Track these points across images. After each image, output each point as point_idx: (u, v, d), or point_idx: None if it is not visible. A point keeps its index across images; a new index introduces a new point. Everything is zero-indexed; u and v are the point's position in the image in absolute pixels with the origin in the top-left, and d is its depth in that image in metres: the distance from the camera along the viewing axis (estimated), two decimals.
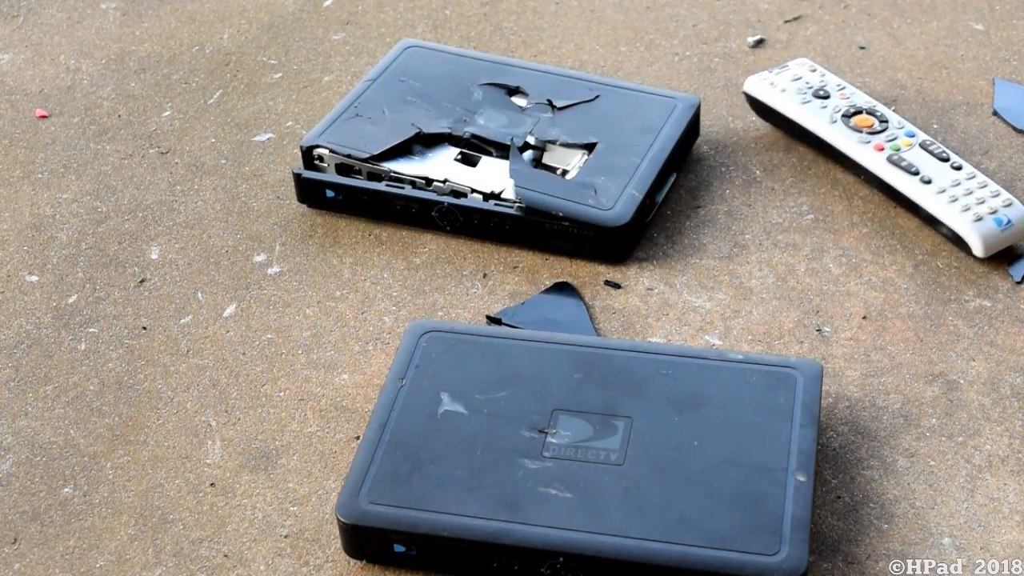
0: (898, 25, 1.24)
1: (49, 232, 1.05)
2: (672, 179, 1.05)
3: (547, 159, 1.04)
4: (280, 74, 1.21)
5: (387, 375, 0.86)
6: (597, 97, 1.09)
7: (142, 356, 0.94)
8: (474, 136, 1.05)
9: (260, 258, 1.01)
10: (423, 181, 1.02)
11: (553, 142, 1.05)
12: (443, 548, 0.77)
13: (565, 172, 1.03)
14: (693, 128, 1.08)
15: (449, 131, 1.05)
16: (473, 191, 1.01)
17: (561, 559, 0.75)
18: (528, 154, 1.04)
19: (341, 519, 0.77)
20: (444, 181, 1.02)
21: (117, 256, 1.02)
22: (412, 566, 0.78)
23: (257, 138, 1.13)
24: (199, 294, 0.99)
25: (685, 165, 1.08)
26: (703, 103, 1.14)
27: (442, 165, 1.03)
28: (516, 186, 1.00)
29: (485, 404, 0.83)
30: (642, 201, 0.99)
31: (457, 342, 0.88)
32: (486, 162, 1.04)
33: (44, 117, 1.18)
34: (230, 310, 0.97)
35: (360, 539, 0.78)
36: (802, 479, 0.78)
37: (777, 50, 1.21)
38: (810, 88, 1.08)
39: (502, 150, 1.04)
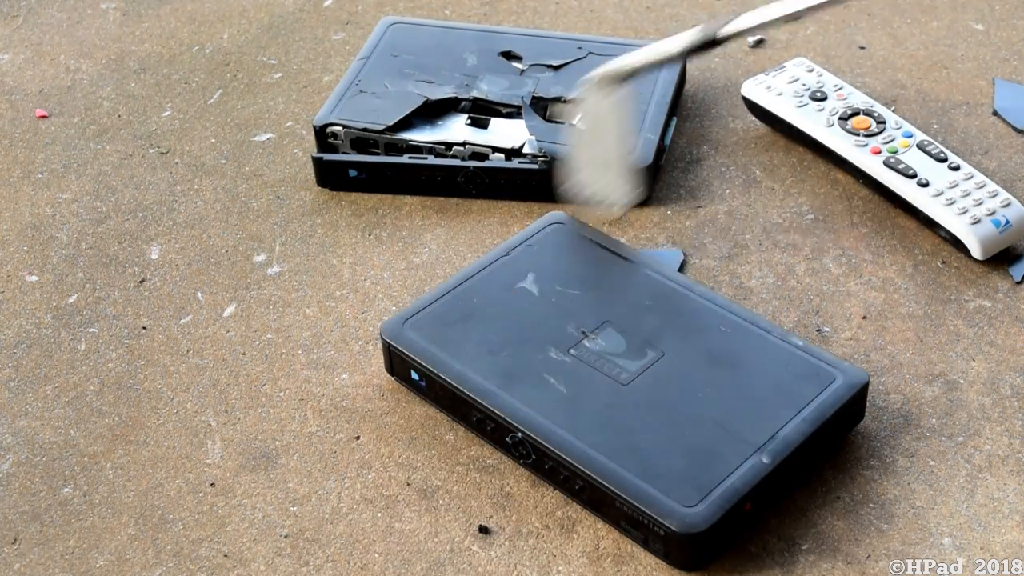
0: (898, 25, 1.24)
1: (49, 232, 1.05)
2: (674, 123, 1.10)
3: (553, 116, 1.08)
4: (280, 74, 1.21)
5: (504, 242, 0.94)
6: (588, 55, 1.13)
7: (142, 356, 0.94)
8: (480, 100, 1.08)
9: (260, 258, 1.01)
10: (443, 147, 1.05)
11: (559, 99, 1.08)
12: (443, 388, 0.85)
13: (572, 126, 1.06)
14: (684, 74, 1.14)
15: (455, 96, 1.08)
16: (494, 150, 1.04)
17: (520, 435, 0.81)
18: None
19: (381, 335, 0.88)
20: (463, 144, 1.05)
21: (117, 256, 1.02)
22: (422, 395, 0.88)
23: (257, 138, 1.14)
24: (199, 294, 0.99)
25: (686, 165, 1.08)
26: (704, 103, 1.14)
27: (455, 130, 1.06)
28: (538, 140, 1.04)
29: (556, 295, 0.89)
30: (657, 143, 1.04)
31: (579, 240, 0.94)
32: (496, 123, 1.07)
33: (44, 117, 1.18)
34: (230, 310, 0.97)
35: (391, 357, 0.88)
36: (766, 461, 0.78)
37: (777, 50, 1.21)
38: (807, 90, 1.08)
39: (509, 111, 1.08)
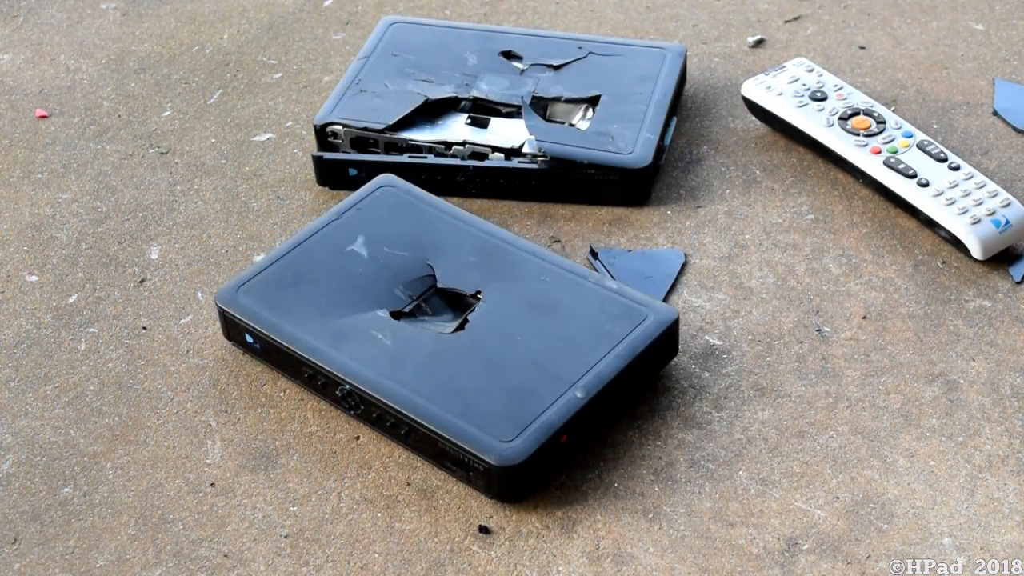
0: (898, 25, 1.24)
1: (49, 232, 1.05)
2: (674, 123, 1.10)
3: (553, 115, 1.08)
4: (280, 74, 1.21)
5: (335, 206, 0.97)
6: (589, 55, 1.13)
7: (142, 356, 0.94)
8: (480, 99, 1.08)
9: (260, 258, 1.01)
10: (443, 146, 1.05)
11: (558, 98, 1.08)
12: (276, 350, 0.88)
13: (572, 126, 1.07)
14: (683, 74, 1.13)
15: (455, 96, 1.08)
16: (494, 150, 1.04)
17: (347, 387, 0.85)
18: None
19: (216, 302, 0.91)
20: (463, 144, 1.04)
21: (117, 256, 1.02)
22: (254, 355, 0.91)
23: (257, 138, 1.14)
24: (199, 294, 0.99)
25: (686, 165, 1.08)
26: (704, 103, 1.14)
27: (455, 130, 1.06)
28: (537, 140, 1.03)
29: (384, 256, 0.93)
30: (657, 143, 1.04)
31: (407, 202, 0.97)
32: (496, 123, 1.07)
33: (44, 117, 1.18)
34: None
35: (227, 323, 0.91)
36: (579, 396, 0.83)
37: (777, 50, 1.21)
38: (807, 90, 1.08)
39: (509, 111, 1.07)
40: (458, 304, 0.91)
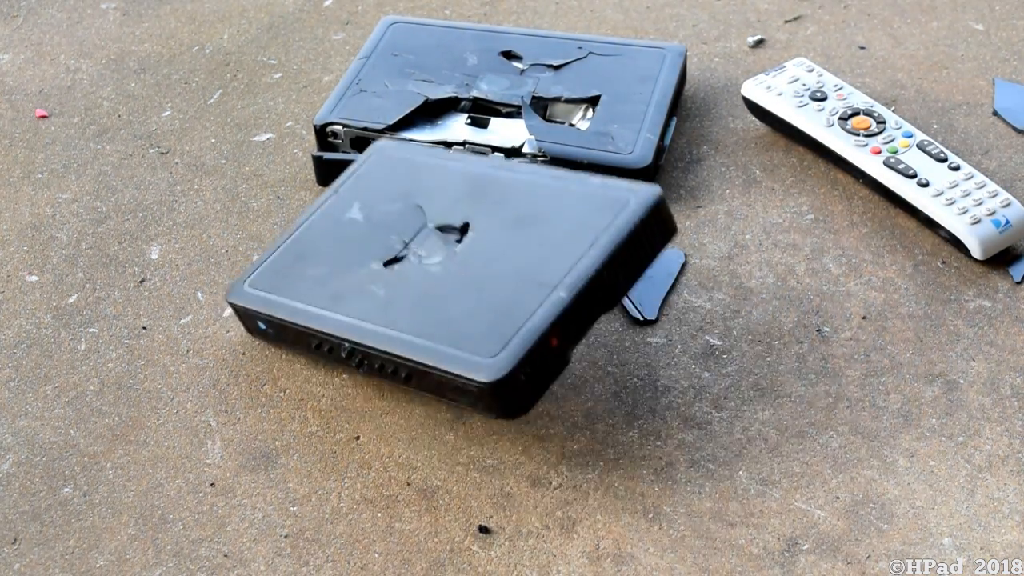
0: (898, 25, 1.24)
1: (49, 232, 1.05)
2: (674, 123, 1.10)
3: (553, 115, 1.08)
4: (280, 74, 1.21)
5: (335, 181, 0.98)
6: (589, 55, 1.13)
7: (142, 356, 0.94)
8: (480, 99, 1.08)
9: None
10: (442, 147, 1.05)
11: (559, 98, 1.08)
12: (284, 328, 0.88)
13: (572, 126, 1.07)
14: (683, 74, 1.13)
15: (455, 96, 1.08)
16: (494, 150, 1.04)
17: (347, 345, 0.85)
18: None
19: (227, 300, 0.92)
20: (463, 144, 1.04)
21: (117, 256, 1.02)
22: (272, 341, 0.91)
23: (257, 138, 1.14)
24: (199, 294, 0.99)
25: (686, 165, 1.08)
26: (704, 103, 1.14)
27: (455, 130, 1.06)
28: (537, 140, 1.03)
29: (379, 215, 0.93)
30: (657, 143, 1.04)
31: (397, 161, 0.97)
32: (496, 123, 1.07)
33: (44, 117, 1.18)
34: (230, 310, 0.97)
35: (241, 317, 0.92)
36: (563, 295, 0.80)
37: (777, 50, 1.21)
38: (807, 90, 1.08)
39: (509, 111, 1.07)
40: (449, 238, 0.90)
